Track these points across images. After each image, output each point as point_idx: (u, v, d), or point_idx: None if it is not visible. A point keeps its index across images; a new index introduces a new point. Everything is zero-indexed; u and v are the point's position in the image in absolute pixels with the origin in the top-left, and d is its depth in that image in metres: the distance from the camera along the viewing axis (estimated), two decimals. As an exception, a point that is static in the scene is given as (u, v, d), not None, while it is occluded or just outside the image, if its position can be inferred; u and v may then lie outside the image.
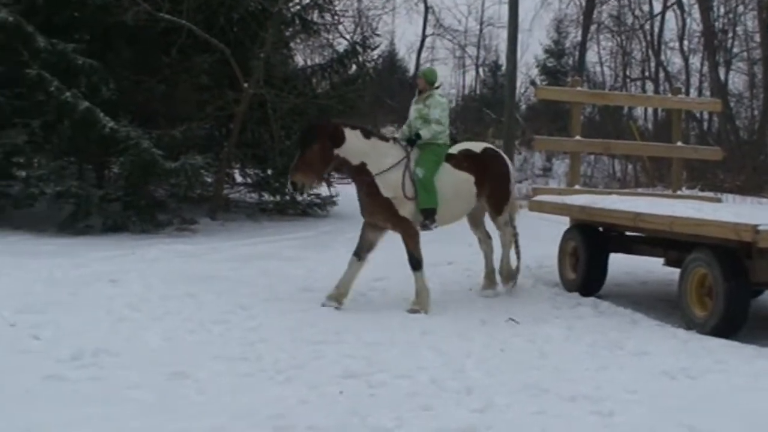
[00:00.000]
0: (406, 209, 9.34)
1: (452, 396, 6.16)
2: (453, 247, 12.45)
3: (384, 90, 35.95)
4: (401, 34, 56.12)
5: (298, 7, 20.04)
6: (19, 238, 13.81)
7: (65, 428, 5.10)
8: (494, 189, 10.03)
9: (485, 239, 10.55)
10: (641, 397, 6.25)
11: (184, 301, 9.13)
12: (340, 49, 22.76)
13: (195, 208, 17.44)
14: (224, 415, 5.48)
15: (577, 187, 12.80)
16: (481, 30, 46.11)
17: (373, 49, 22.52)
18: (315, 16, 20.79)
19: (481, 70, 47.02)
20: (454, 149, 10.05)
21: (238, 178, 20.79)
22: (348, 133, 9.28)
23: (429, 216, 9.42)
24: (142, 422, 5.29)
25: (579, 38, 39.05)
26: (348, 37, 26.37)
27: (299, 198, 19.00)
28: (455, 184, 9.61)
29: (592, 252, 10.79)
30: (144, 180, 15.88)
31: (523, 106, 39.87)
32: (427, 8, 42.25)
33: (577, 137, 12.80)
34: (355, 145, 9.29)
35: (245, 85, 17.34)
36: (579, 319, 9.22)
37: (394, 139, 9.87)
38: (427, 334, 8.09)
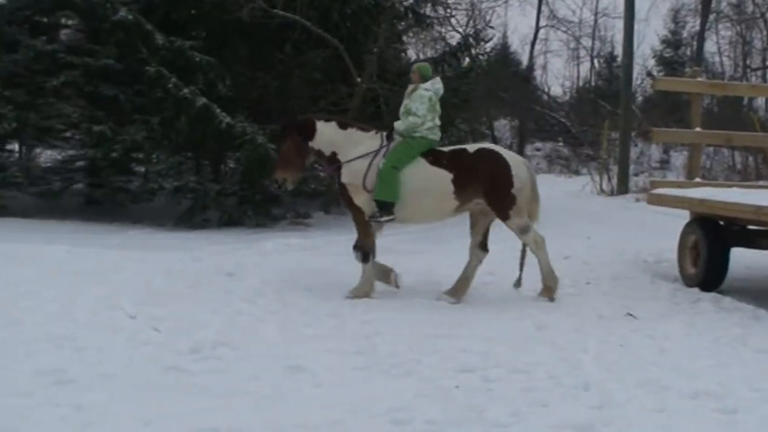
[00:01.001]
0: (361, 199, 9.32)
1: (569, 392, 6.00)
2: (571, 240, 12.21)
3: (497, 82, 35.71)
4: (514, 26, 55.97)
5: (411, 1, 19.97)
6: (139, 232, 14.07)
7: (184, 419, 5.12)
8: (489, 191, 9.20)
9: (475, 250, 9.51)
10: (765, 395, 6.00)
11: (300, 294, 9.13)
12: (453, 42, 22.56)
13: (309, 203, 17.55)
14: (341, 407, 5.43)
15: (697, 180, 12.35)
16: (596, 21, 45.69)
17: (486, 42, 22.26)
18: (428, 9, 20.70)
19: (596, 61, 46.40)
20: (450, 148, 9.84)
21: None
22: (320, 125, 9.51)
23: (384, 209, 9.19)
24: (259, 414, 5.29)
25: (697, 28, 38.20)
26: (461, 30, 26.15)
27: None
28: (425, 180, 9.19)
29: (713, 246, 10.41)
30: (259, 175, 16.00)
31: (639, 98, 39.18)
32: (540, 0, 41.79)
33: (698, 129, 12.37)
34: (327, 136, 9.47)
35: (358, 79, 17.34)
36: (700, 315, 8.91)
37: (377, 130, 9.79)
38: (543, 329, 7.93)
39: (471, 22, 32.11)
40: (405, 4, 19.74)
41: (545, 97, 45.31)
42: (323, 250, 12.71)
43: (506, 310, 8.71)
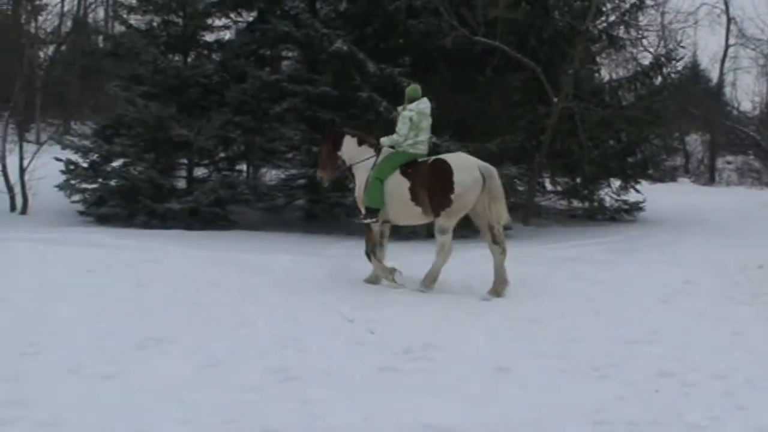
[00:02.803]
0: (363, 206, 10.18)
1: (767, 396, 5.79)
2: (763, 251, 11.71)
3: (688, 99, 34.58)
4: (704, 45, 53.70)
5: (604, 24, 19.68)
6: (354, 243, 14.37)
7: (399, 415, 5.22)
8: (432, 195, 9.74)
9: (492, 246, 9.92)
10: None
11: (502, 300, 9.17)
12: (645, 62, 22.11)
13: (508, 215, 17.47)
14: (544, 408, 5.43)
15: None
16: (785, 38, 43.25)
17: (677, 61, 21.65)
18: (621, 31, 20.34)
19: (786, 77, 44.08)
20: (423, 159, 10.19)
21: (549, 186, 20.69)
22: (346, 139, 10.59)
23: (369, 213, 10.06)
24: (469, 412, 5.34)
25: None
26: (652, 50, 25.57)
27: (606, 204, 18.76)
28: (395, 187, 9.95)
29: None
30: (462, 189, 16.12)
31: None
32: (729, 19, 40.29)
33: None
34: (348, 150, 10.53)
35: (555, 99, 17.22)
36: None
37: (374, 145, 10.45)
38: (739, 335, 7.69)
39: (662, 42, 31.33)
40: (599, 27, 19.46)
41: (735, 112, 43.52)
42: (523, 260, 12.63)
43: (702, 317, 8.49)
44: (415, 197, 9.86)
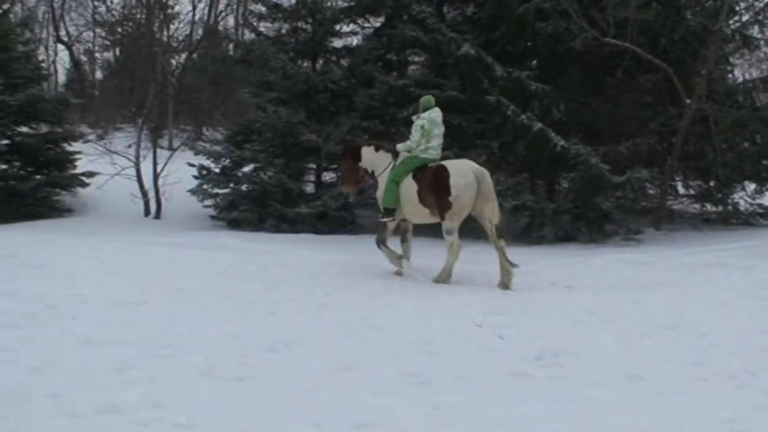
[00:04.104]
0: (382, 206, 11.18)
1: None
2: None
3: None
4: None
5: (738, 23, 19.09)
6: (481, 248, 14.28)
7: (534, 421, 5.17)
8: (436, 198, 10.56)
9: (494, 243, 10.58)
10: None
11: (635, 306, 8.98)
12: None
13: (639, 219, 17.18)
14: (680, 416, 5.28)
15: None
16: None
17: (814, 61, 20.87)
18: (755, 31, 19.71)
19: None
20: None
21: (681, 190, 20.21)
22: (364, 149, 11.61)
23: (387, 213, 11.05)
24: (601, 419, 5.23)
25: None
26: (787, 50, 24.63)
27: (741, 208, 18.23)
28: (407, 190, 10.85)
29: None
30: (592, 193, 15.94)
31: None
32: None
33: None
34: (368, 158, 11.53)
35: (687, 101, 16.81)
36: None
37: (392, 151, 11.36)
38: None
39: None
40: (732, 27, 18.90)
41: None
42: (655, 265, 12.39)
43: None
44: (422, 199, 10.75)
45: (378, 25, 19.95)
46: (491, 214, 10.53)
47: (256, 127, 17.79)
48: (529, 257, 13.09)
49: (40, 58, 33.16)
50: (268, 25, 20.78)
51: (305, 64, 19.19)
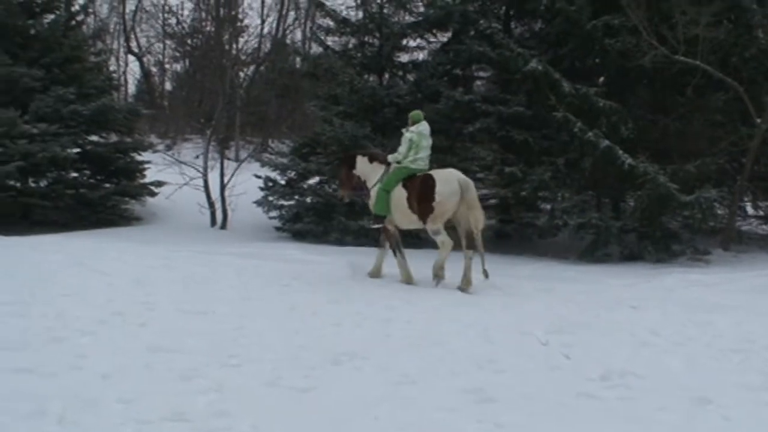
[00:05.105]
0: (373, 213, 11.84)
1: None
2: None
3: None
4: None
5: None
6: (544, 265, 14.30)
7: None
8: (419, 203, 11.23)
9: (466, 251, 11.14)
10: None
11: (703, 328, 8.82)
12: None
13: (707, 239, 16.93)
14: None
15: None
16: None
17: None
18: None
19: None
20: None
21: (750, 210, 19.88)
22: (358, 159, 12.31)
23: (377, 220, 11.77)
24: (669, 443, 5.16)
25: None
26: None
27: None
28: (397, 198, 11.51)
29: None
30: (659, 212, 15.75)
31: None
32: None
33: None
34: (361, 167, 12.23)
35: (758, 120, 16.54)
36: None
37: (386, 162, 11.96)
38: None
39: None
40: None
41: None
42: (723, 287, 12.19)
43: None
44: (410, 206, 11.39)
45: (445, 40, 19.99)
46: (476, 221, 11.10)
47: (321, 140, 17.92)
48: (594, 276, 13.00)
49: (111, 68, 33.96)
50: (336, 39, 20.93)
51: (371, 79, 19.29)
